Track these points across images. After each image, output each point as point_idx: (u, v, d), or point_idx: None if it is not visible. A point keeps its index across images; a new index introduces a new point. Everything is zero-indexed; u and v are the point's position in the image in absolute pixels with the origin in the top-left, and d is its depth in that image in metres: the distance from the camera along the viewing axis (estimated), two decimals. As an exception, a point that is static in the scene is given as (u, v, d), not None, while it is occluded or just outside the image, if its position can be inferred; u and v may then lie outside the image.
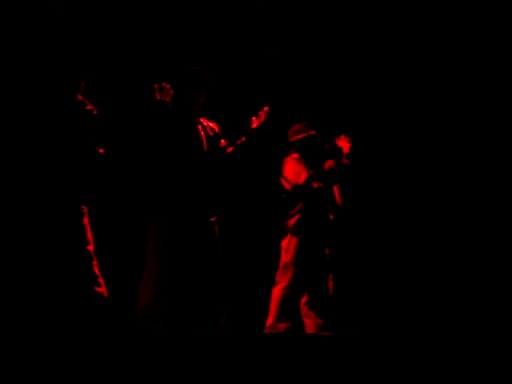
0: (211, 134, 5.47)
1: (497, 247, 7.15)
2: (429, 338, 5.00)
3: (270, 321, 6.18)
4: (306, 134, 6.35)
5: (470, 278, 7.19)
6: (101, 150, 4.81)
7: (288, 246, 6.23)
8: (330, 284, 6.31)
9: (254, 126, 5.48)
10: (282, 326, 6.11)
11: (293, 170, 6.29)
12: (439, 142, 7.49)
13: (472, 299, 7.10)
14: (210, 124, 5.52)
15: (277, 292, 6.19)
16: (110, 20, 6.54)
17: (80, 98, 4.86)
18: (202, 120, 5.49)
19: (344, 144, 6.36)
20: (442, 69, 7.55)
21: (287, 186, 6.28)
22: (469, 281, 7.19)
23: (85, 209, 4.81)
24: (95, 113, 4.83)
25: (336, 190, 6.46)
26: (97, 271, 4.75)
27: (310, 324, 6.21)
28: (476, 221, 7.29)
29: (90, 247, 4.77)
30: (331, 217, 6.36)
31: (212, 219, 5.36)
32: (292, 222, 6.25)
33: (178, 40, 6.88)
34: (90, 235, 4.81)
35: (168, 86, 5.20)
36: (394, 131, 7.38)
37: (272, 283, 6.23)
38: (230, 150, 5.49)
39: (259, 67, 7.39)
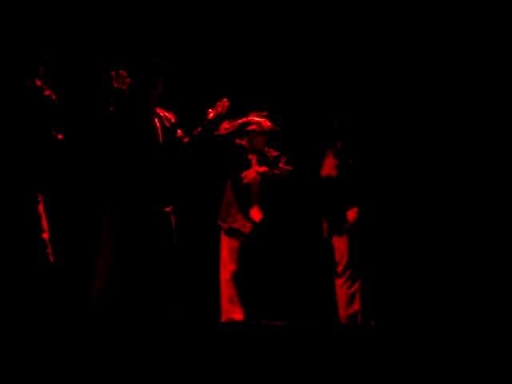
0: (167, 124, 5.47)
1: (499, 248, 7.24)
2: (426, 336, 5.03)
3: (223, 315, 6.22)
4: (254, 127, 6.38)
5: (466, 278, 7.28)
6: (59, 136, 4.78)
7: (221, 241, 6.31)
8: None
9: (211, 116, 5.51)
10: (235, 317, 6.14)
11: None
12: (432, 140, 7.55)
13: (468, 299, 7.19)
14: (167, 114, 5.53)
15: (223, 286, 6.24)
16: (70, 6, 6.49)
17: (38, 83, 4.82)
18: (158, 110, 5.48)
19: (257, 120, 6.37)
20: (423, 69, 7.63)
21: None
22: (465, 280, 7.27)
23: (40, 196, 4.78)
24: (54, 98, 4.80)
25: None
26: (51, 259, 4.72)
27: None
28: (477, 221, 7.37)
29: (45, 235, 4.74)
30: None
31: (167, 209, 5.37)
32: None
33: (137, 29, 6.86)
34: (44, 223, 4.78)
35: (125, 73, 5.19)
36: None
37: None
38: (186, 140, 5.50)
39: (217, 58, 7.41)
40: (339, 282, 6.53)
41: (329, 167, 6.60)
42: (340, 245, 6.56)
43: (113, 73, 5.19)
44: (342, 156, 6.63)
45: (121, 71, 5.19)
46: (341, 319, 6.46)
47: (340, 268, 6.54)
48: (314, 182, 6.92)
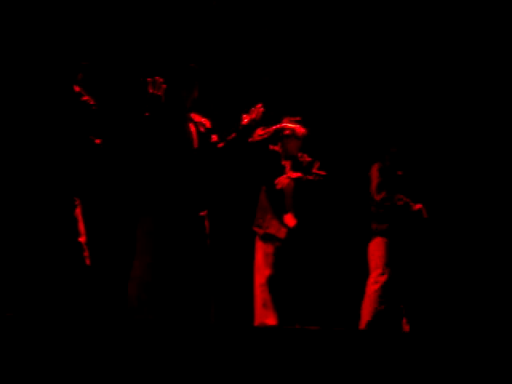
0: (202, 129, 5.51)
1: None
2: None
3: (256, 319, 6.24)
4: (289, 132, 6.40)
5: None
6: (97, 141, 4.85)
7: (256, 246, 6.33)
8: None
9: (245, 122, 5.54)
10: (269, 321, 6.15)
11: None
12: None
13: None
14: (202, 120, 5.57)
15: (257, 291, 6.26)
16: (108, 13, 6.57)
17: (77, 88, 4.90)
18: (193, 116, 5.53)
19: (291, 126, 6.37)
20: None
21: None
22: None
23: (77, 200, 4.85)
24: (92, 103, 4.88)
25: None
26: (88, 262, 4.78)
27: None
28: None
29: (82, 239, 4.80)
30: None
31: (202, 214, 5.41)
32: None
33: (173, 35, 6.92)
34: (81, 227, 4.83)
35: (161, 80, 5.24)
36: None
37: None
38: (220, 145, 5.54)
39: (253, 64, 7.44)
40: (371, 288, 6.52)
41: (376, 178, 6.63)
42: (376, 251, 6.55)
43: (149, 79, 5.25)
44: (392, 167, 6.65)
45: (157, 77, 5.25)
46: (361, 324, 6.46)
47: (374, 275, 6.54)
48: (352, 189, 6.95)
